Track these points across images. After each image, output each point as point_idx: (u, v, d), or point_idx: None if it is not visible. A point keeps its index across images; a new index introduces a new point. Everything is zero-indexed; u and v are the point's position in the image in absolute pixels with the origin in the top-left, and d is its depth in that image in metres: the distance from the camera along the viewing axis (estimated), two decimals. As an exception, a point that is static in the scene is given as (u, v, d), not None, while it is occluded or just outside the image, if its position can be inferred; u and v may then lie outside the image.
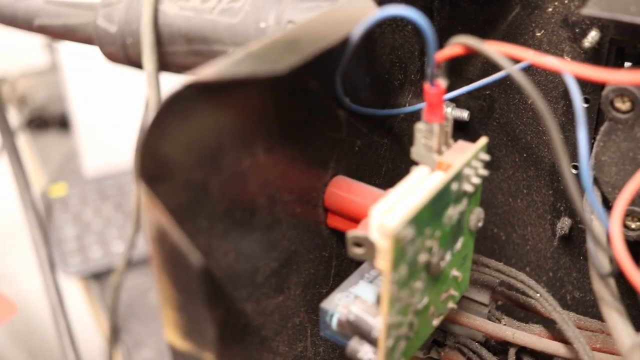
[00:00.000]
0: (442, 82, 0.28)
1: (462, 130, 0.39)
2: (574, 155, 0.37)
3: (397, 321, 0.27)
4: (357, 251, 0.28)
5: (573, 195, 0.25)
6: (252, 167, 0.26)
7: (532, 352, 0.37)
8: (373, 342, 0.28)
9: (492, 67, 0.37)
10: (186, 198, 0.24)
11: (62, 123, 1.03)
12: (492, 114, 0.38)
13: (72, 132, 0.95)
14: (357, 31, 0.26)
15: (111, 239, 0.81)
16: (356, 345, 0.29)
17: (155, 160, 0.22)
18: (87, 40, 0.53)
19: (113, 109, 0.90)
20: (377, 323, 0.27)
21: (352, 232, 0.27)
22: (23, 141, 1.02)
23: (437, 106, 0.28)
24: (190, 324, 0.24)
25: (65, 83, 0.89)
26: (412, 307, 0.28)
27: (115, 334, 0.71)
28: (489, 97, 0.38)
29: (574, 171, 0.37)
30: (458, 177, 0.28)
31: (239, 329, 0.29)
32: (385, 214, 0.25)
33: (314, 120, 0.29)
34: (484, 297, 0.37)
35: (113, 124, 0.91)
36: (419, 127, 0.28)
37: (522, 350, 0.37)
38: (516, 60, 0.28)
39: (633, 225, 0.33)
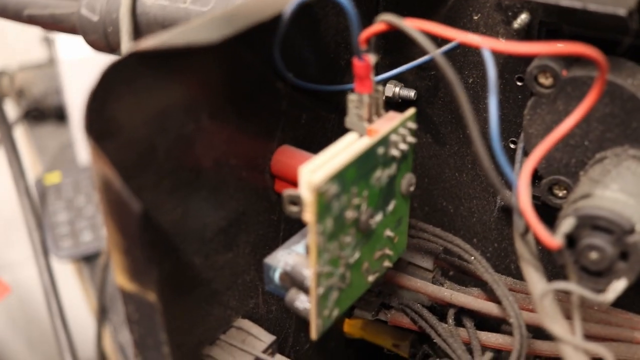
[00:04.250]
0: (371, 57, 0.31)
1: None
2: (510, 131, 0.39)
3: (326, 271, 0.30)
4: (293, 209, 0.31)
5: (481, 155, 0.28)
6: (196, 131, 0.29)
7: (471, 314, 0.40)
8: (307, 291, 0.31)
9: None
10: (133, 155, 0.27)
11: (58, 115, 1.06)
12: (438, 93, 0.41)
13: (68, 123, 0.98)
14: (287, 9, 0.29)
15: (102, 224, 0.84)
16: (293, 295, 0.31)
17: (101, 119, 0.25)
18: (72, 29, 0.56)
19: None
20: (310, 273, 0.30)
21: (287, 191, 0.30)
22: (21, 132, 1.06)
23: (365, 78, 0.30)
24: (135, 267, 0.27)
25: (61, 76, 0.93)
26: (343, 259, 0.31)
27: (103, 313, 0.74)
28: (434, 77, 0.41)
29: (512, 146, 0.40)
30: (384, 142, 0.31)
31: (188, 280, 0.32)
32: (312, 172, 0.28)
33: (255, 91, 0.32)
34: (427, 263, 0.40)
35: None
36: (351, 97, 0.31)
37: (462, 312, 0.40)
38: (442, 39, 0.31)
39: (560, 194, 0.36)
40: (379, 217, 0.32)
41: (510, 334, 0.40)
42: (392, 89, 0.41)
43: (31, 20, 0.59)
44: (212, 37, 0.26)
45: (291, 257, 0.32)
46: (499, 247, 0.43)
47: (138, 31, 0.52)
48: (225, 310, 0.34)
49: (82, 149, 0.96)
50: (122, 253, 0.27)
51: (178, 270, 0.31)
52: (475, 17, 0.38)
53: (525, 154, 0.37)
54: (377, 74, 0.37)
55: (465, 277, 0.41)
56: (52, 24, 0.58)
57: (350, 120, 0.32)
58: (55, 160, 0.99)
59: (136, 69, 0.26)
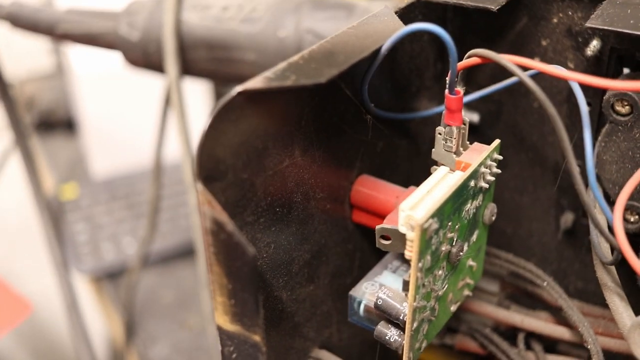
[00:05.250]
0: (461, 89, 0.30)
1: (472, 133, 0.42)
2: (578, 155, 0.39)
3: (421, 306, 0.30)
4: (385, 243, 0.31)
5: (580, 191, 0.28)
6: (290, 167, 0.29)
7: (540, 337, 0.40)
8: (400, 325, 0.31)
9: (500, 74, 0.40)
10: (236, 195, 0.27)
11: (69, 125, 1.05)
12: (501, 116, 0.41)
13: (80, 134, 0.97)
14: (387, 44, 0.29)
15: (123, 239, 0.83)
16: (383, 329, 0.31)
17: (211, 161, 0.25)
18: (109, 46, 0.56)
19: (119, 111, 0.92)
20: (404, 307, 0.30)
21: (381, 226, 0.30)
22: (31, 143, 1.05)
23: (457, 111, 0.30)
24: (241, 309, 0.27)
25: (72, 86, 0.92)
26: (435, 293, 0.31)
27: (129, 331, 0.74)
28: (497, 102, 0.41)
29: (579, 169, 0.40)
30: (475, 175, 0.31)
31: (275, 315, 0.31)
32: (412, 209, 0.28)
33: (344, 124, 0.32)
34: (494, 286, 0.40)
35: (120, 125, 0.93)
36: (439, 130, 0.31)
37: (530, 335, 0.40)
38: (527, 69, 0.31)
39: (632, 219, 0.36)
40: (465, 248, 0.32)
41: (570, 354, 0.40)
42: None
43: (65, 36, 0.58)
44: (320, 78, 0.26)
45: (379, 290, 0.31)
46: (558, 269, 0.43)
47: (182, 51, 0.52)
48: (305, 341, 0.34)
49: (96, 161, 0.95)
50: (226, 295, 0.27)
51: (267, 306, 0.31)
52: (544, 43, 0.38)
53: (597, 179, 0.37)
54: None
55: (527, 300, 0.41)
56: (87, 41, 0.57)
57: (437, 152, 0.32)
58: (67, 172, 0.98)
59: (243, 109, 0.26)
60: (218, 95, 0.91)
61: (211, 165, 0.25)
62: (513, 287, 0.40)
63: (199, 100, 0.89)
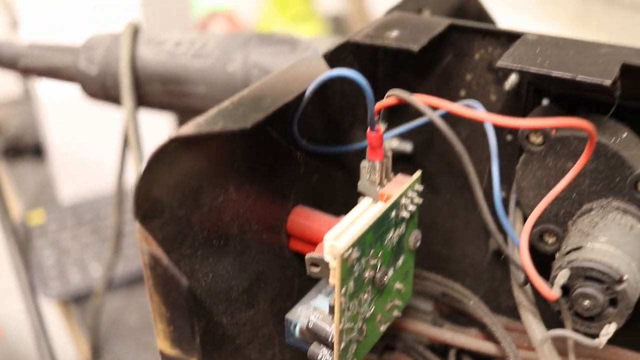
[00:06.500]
0: (381, 127, 0.33)
1: (406, 161, 0.45)
2: (501, 181, 0.42)
3: (348, 327, 0.32)
4: (314, 270, 0.33)
5: (486, 219, 0.31)
6: (225, 202, 0.32)
7: (471, 353, 0.42)
8: (330, 345, 0.33)
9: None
10: (173, 231, 0.29)
11: (36, 151, 1.07)
12: (432, 145, 0.44)
13: (47, 160, 0.99)
14: (310, 88, 0.32)
15: (89, 263, 0.85)
16: (315, 349, 0.34)
17: (148, 202, 0.28)
18: (70, 79, 0.58)
19: (87, 137, 0.94)
20: (333, 329, 0.33)
21: (310, 255, 0.33)
22: (-1, 170, 1.06)
23: (378, 147, 0.33)
24: (179, 335, 0.29)
25: (39, 112, 0.94)
26: (361, 315, 0.33)
27: (96, 354, 0.75)
28: (429, 132, 0.44)
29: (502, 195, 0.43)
30: (396, 206, 0.34)
31: (217, 339, 0.34)
32: (335, 239, 0.31)
33: (275, 161, 0.34)
34: (428, 305, 0.43)
35: (87, 151, 0.95)
36: (363, 164, 0.34)
37: (462, 351, 0.43)
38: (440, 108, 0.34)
39: (550, 241, 0.39)
40: (390, 272, 0.35)
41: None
42: (390, 143, 0.43)
43: (27, 70, 0.60)
44: (246, 123, 0.29)
45: (311, 313, 0.34)
46: (490, 287, 0.46)
47: (137, 84, 0.54)
48: (247, 362, 0.37)
49: (63, 187, 0.96)
50: (165, 322, 0.29)
51: (208, 331, 0.33)
52: (469, 77, 0.41)
53: (517, 204, 0.40)
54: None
55: (462, 318, 0.44)
56: (48, 74, 0.60)
57: (362, 184, 0.35)
58: (34, 198, 0.99)
59: (177, 153, 0.28)
60: (181, 123, 0.93)
61: (148, 205, 0.28)
62: (446, 306, 0.43)
63: (161, 128, 0.91)
